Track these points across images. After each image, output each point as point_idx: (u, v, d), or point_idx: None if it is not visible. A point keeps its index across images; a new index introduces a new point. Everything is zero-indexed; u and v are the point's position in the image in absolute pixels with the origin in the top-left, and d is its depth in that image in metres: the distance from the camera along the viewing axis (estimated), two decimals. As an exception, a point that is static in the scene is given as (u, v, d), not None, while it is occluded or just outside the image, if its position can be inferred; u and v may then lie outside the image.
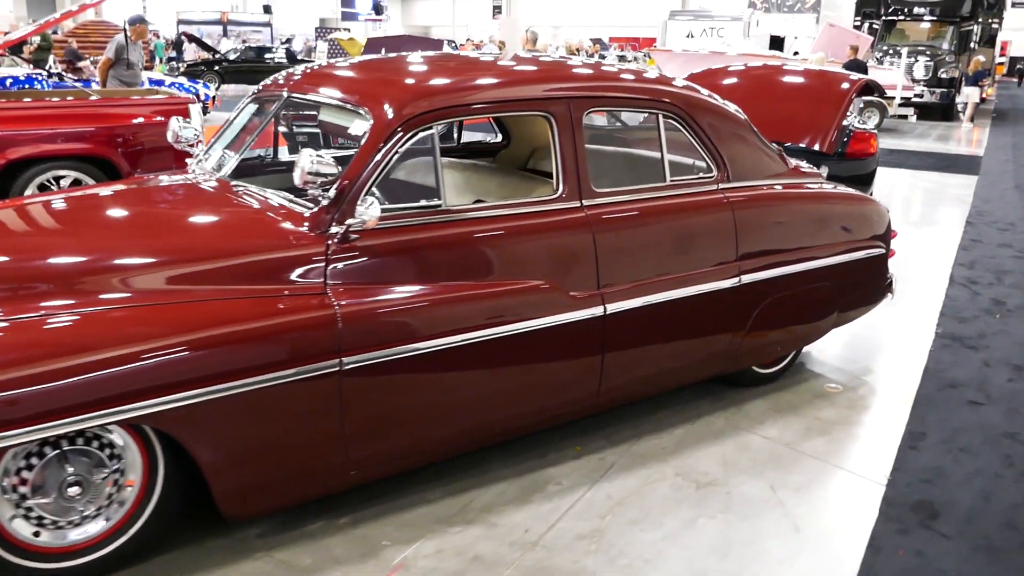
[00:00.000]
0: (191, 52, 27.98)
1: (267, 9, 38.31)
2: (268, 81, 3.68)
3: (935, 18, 21.10)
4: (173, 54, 28.71)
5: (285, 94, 3.44)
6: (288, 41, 32.45)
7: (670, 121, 3.58)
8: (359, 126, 2.99)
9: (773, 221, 3.84)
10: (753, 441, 3.62)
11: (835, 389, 4.21)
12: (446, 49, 18.15)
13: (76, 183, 6.32)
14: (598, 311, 3.22)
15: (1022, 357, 4.70)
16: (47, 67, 13.73)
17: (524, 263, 3.09)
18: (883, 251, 4.40)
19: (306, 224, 2.79)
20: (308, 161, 2.71)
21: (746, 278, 3.70)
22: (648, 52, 19.28)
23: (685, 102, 3.61)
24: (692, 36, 23.53)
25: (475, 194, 3.93)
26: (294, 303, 2.64)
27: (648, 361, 3.49)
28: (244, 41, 31.29)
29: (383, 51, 13.33)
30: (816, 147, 4.51)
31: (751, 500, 3.14)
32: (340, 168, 2.79)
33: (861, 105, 15.92)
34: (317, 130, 7.27)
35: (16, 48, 19.00)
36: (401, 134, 2.89)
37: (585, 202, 3.26)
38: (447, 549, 2.78)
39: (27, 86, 11.09)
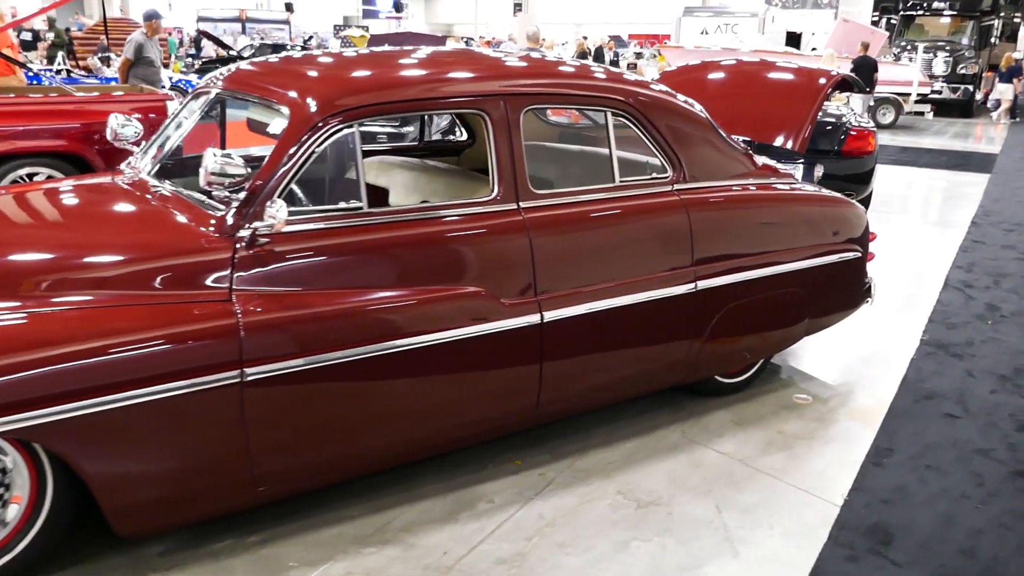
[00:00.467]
0: (208, 50, 28.01)
1: (289, 7, 38.33)
2: (207, 78, 3.54)
3: (955, 13, 20.64)
4: (193, 51, 28.76)
5: (214, 92, 3.30)
6: (309, 38, 32.42)
7: (621, 120, 3.40)
8: (278, 124, 2.84)
9: (733, 224, 3.64)
10: (707, 456, 3.43)
11: (804, 400, 4.00)
12: (451, 45, 18.01)
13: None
14: (534, 319, 3.04)
15: (1009, 367, 4.47)
16: (55, 64, 13.75)
17: (454, 269, 2.92)
18: (859, 255, 4.19)
19: (213, 227, 2.64)
20: (212, 161, 2.55)
21: (703, 284, 3.51)
22: (659, 49, 19.03)
23: (637, 100, 3.42)
24: (706, 33, 23.20)
25: (423, 195, 3.77)
26: (193, 311, 2.49)
27: (593, 372, 3.31)
28: (261, 39, 31.30)
29: (385, 46, 13.15)
30: (788, 145, 4.31)
31: (693, 521, 2.95)
32: (249, 169, 2.64)
33: (872, 102, 15.58)
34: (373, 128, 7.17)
35: (30, 44, 19.08)
36: (317, 133, 2.73)
37: (522, 204, 3.08)
38: (356, 572, 2.62)
39: (35, 83, 11.06)
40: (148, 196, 3.02)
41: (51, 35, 18.58)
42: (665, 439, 3.55)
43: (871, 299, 4.40)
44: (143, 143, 3.69)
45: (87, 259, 2.56)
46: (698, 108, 3.73)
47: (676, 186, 3.50)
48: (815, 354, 4.59)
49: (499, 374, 3.04)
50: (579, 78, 3.39)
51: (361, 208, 2.80)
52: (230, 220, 2.62)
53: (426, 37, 14.12)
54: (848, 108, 8.56)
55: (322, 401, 2.67)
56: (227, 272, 2.57)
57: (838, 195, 4.22)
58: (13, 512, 2.44)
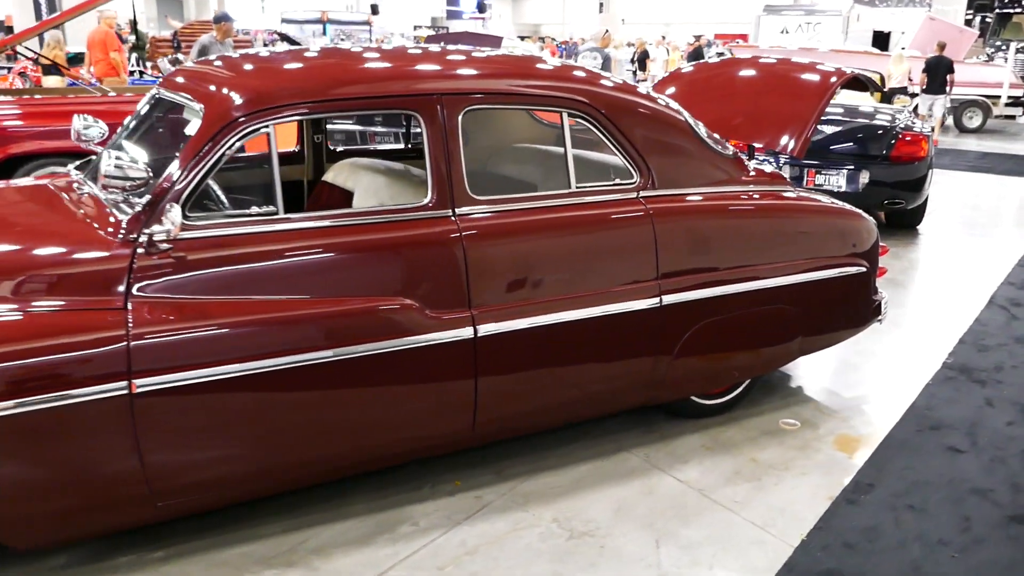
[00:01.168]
0: (285, 51, 28.56)
1: (374, 9, 38.93)
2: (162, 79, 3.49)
3: (1056, 10, 19.42)
4: (270, 53, 29.37)
5: (156, 92, 3.24)
6: (386, 39, 32.83)
7: (580, 122, 3.19)
8: (193, 125, 2.75)
9: (707, 235, 3.38)
10: (663, 484, 3.19)
11: (791, 426, 3.71)
12: (523, 48, 17.93)
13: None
14: (466, 333, 2.86)
15: (1037, 396, 4.06)
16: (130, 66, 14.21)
17: (377, 278, 2.77)
18: (864, 270, 3.86)
19: (111, 232, 2.56)
20: (106, 163, 2.48)
21: (669, 299, 3.26)
22: (730, 49, 18.46)
23: (599, 100, 3.20)
24: (786, 32, 22.41)
25: (383, 198, 3.63)
26: (82, 319, 2.41)
27: (539, 391, 3.10)
28: (342, 39, 31.85)
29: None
30: (790, 147, 4.00)
31: (624, 557, 2.73)
32: (150, 172, 2.55)
33: (949, 104, 14.73)
34: (356, 127, 7.16)
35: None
36: (227, 134, 2.62)
37: (459, 211, 2.91)
38: (248, 595, 2.50)
39: (141, 84, 11.43)
40: (65, 200, 2.96)
41: (132, 37, 19.23)
42: (625, 463, 3.33)
43: (881, 318, 4.07)
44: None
45: (-16, 264, 2.51)
46: (673, 109, 3.49)
47: (642, 193, 3.27)
48: (819, 374, 4.27)
49: (426, 391, 2.87)
50: (530, 77, 3.19)
51: (275, 213, 2.68)
52: (125, 225, 2.53)
53: (483, 37, 14.03)
54: (907, 111, 8.05)
55: (221, 416, 2.56)
56: (123, 278, 2.48)
57: (843, 205, 3.90)
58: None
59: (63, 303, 2.43)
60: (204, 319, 2.50)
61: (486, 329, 2.90)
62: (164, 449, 2.51)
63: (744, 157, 3.82)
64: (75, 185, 3.10)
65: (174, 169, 2.59)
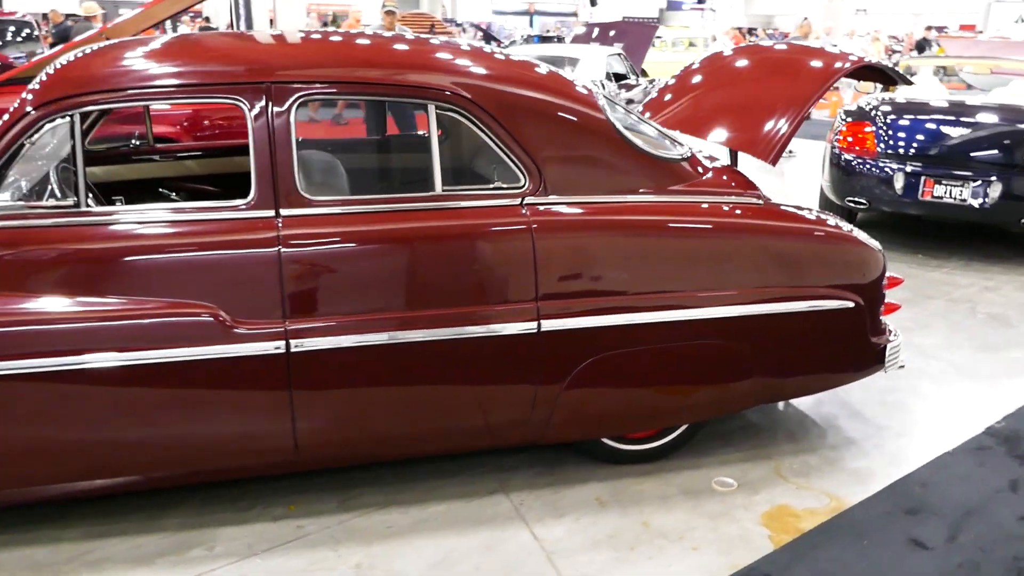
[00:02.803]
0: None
1: (593, 0, 38.76)
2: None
3: None
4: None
5: None
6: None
7: (451, 116, 2.81)
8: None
9: (609, 252, 2.86)
10: (514, 540, 2.74)
11: (725, 487, 3.09)
12: (722, 43, 17.12)
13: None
14: (277, 347, 2.59)
15: (1090, 484, 3.14)
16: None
17: (180, 281, 2.56)
18: (852, 305, 3.15)
19: None
20: None
21: (550, 324, 2.80)
22: (937, 40, 16.40)
23: (478, 93, 2.79)
24: (1022, 21, 19.66)
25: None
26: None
27: (376, 418, 2.76)
28: (546, 32, 31.99)
29: (594, 33, 12.73)
30: (782, 129, 3.31)
31: (394, 623, 2.35)
32: None
33: None
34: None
35: None
36: (21, 122, 2.52)
37: (283, 212, 2.63)
38: (-15, 604, 2.40)
39: None
40: None
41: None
42: (490, 508, 2.91)
43: (888, 365, 3.32)
44: None
45: None
46: (589, 102, 2.99)
47: (528, 200, 2.82)
48: (811, 422, 3.56)
49: (232, 407, 2.63)
50: (387, 65, 2.83)
51: (72, 206, 2.55)
52: None
53: (640, 25, 13.50)
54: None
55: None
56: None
57: (834, 227, 3.20)
58: None
59: None
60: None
61: (301, 344, 2.61)
62: None
63: (702, 160, 3.23)
64: None
65: None
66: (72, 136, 2.56)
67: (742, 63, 3.82)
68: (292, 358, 2.61)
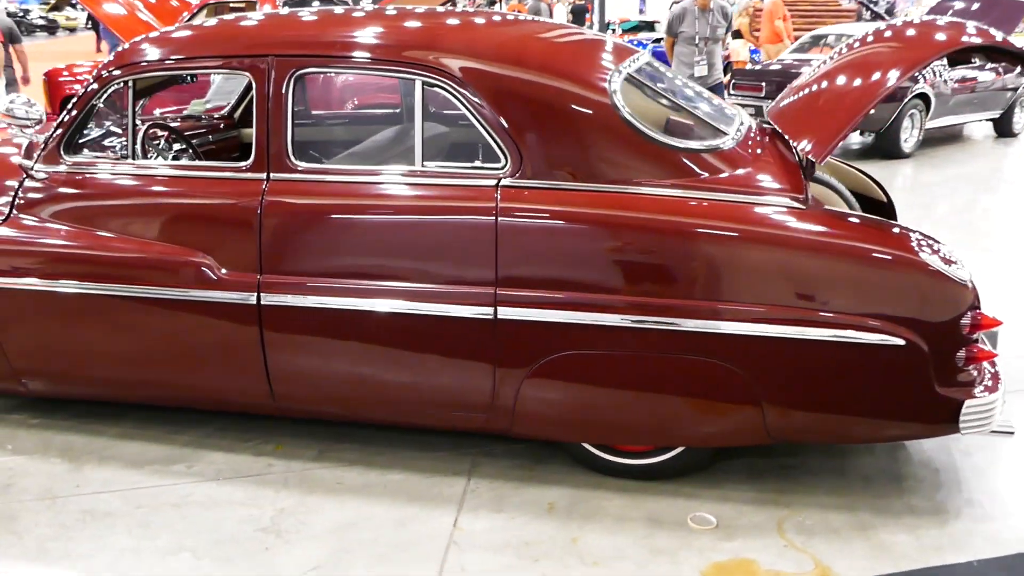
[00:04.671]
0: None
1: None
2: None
3: None
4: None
5: None
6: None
7: (438, 92, 2.80)
8: None
9: (590, 245, 2.66)
10: (434, 522, 2.69)
11: (701, 524, 2.70)
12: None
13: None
14: (249, 298, 2.86)
15: None
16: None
17: (184, 230, 2.94)
18: (903, 343, 2.56)
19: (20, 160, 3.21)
20: (5, 100, 3.14)
21: (508, 312, 2.70)
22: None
23: (467, 70, 2.75)
24: None
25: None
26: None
27: (338, 379, 2.90)
28: None
29: (955, 5, 10.94)
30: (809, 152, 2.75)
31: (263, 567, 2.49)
32: (39, 116, 3.15)
33: None
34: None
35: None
36: (95, 86, 3.05)
37: (273, 176, 2.87)
38: None
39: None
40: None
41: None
42: (439, 488, 2.88)
43: (975, 426, 2.65)
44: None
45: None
46: (588, 83, 2.79)
47: (504, 182, 2.73)
48: (876, 483, 2.94)
49: (214, 348, 2.96)
50: (377, 39, 2.88)
51: (129, 159, 3.05)
52: (18, 157, 3.16)
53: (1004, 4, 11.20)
54: None
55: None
56: (9, 198, 3.12)
57: (885, 246, 2.61)
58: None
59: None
60: (38, 237, 3.03)
61: (270, 299, 2.84)
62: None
63: (743, 153, 2.81)
64: None
65: (61, 116, 3.12)
66: (127, 99, 3.04)
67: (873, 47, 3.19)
68: (262, 310, 2.85)
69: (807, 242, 2.60)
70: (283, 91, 2.84)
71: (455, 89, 2.75)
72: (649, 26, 20.07)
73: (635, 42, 17.69)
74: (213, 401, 3.14)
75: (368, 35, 2.91)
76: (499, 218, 2.68)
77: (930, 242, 2.71)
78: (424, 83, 2.78)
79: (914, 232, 2.73)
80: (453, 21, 3.16)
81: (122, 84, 3.03)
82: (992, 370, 2.79)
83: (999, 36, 2.77)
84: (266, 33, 3.05)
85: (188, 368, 3.02)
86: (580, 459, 2.98)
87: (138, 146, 3.09)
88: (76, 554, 2.56)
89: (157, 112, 5.09)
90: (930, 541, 2.63)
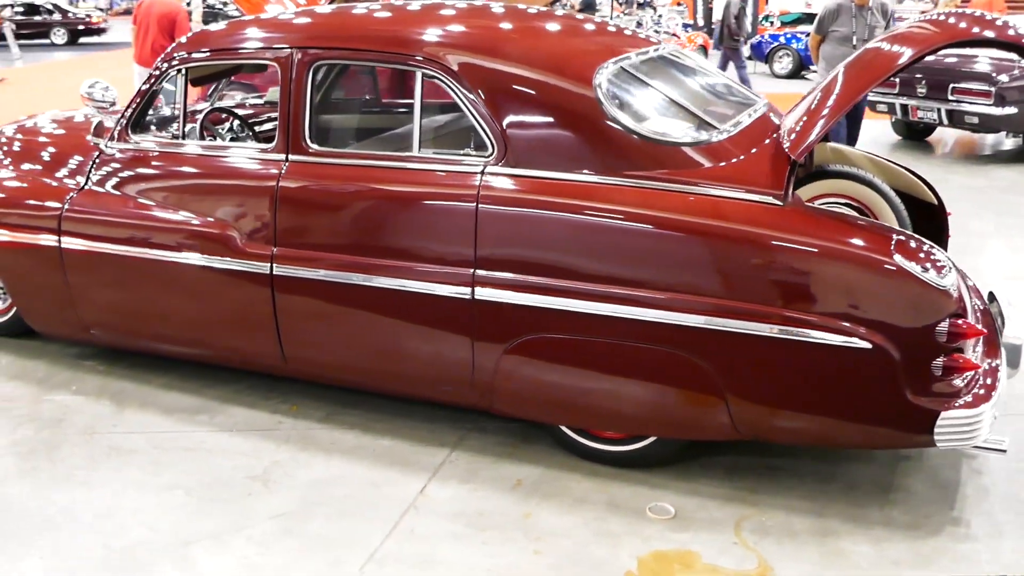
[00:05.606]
0: None
1: None
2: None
3: None
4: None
5: None
6: None
7: (436, 83, 2.97)
8: None
9: (548, 231, 2.76)
10: (403, 486, 2.87)
11: (657, 514, 2.72)
12: None
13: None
14: (263, 268, 3.14)
15: None
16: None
17: (215, 205, 3.26)
18: (870, 347, 2.50)
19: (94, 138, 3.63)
20: (84, 84, 3.59)
21: (485, 293, 2.84)
22: None
23: (460, 62, 2.91)
24: None
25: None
26: (52, 190, 3.60)
27: (341, 347, 3.14)
28: None
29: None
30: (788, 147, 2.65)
31: (245, 513, 2.76)
32: (114, 99, 3.57)
33: None
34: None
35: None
36: (157, 75, 3.43)
37: (292, 157, 3.14)
38: None
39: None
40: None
41: None
42: (420, 457, 3.05)
43: (954, 439, 2.54)
44: None
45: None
46: (574, 74, 2.87)
47: (489, 169, 2.86)
48: (858, 490, 2.84)
49: (240, 312, 3.26)
50: (378, 33, 3.09)
51: (178, 138, 3.41)
52: (91, 135, 3.59)
53: None
54: None
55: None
56: (85, 170, 3.57)
57: (860, 246, 2.54)
58: None
59: (55, 178, 3.65)
60: (103, 207, 3.45)
61: (281, 270, 3.12)
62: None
63: (732, 148, 2.80)
64: None
65: (133, 99, 3.53)
66: (178, 86, 3.40)
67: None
68: (274, 280, 3.13)
69: (768, 238, 2.57)
70: (304, 81, 3.09)
71: (450, 81, 2.91)
72: (811, 19, 19.25)
73: (791, 36, 17.07)
74: (239, 360, 3.45)
75: (375, 29, 3.12)
76: (479, 204, 2.81)
77: (914, 245, 2.59)
78: (424, 75, 2.96)
79: (898, 234, 2.63)
80: (452, 15, 3.30)
81: (175, 72, 3.39)
82: (986, 382, 2.64)
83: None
84: (289, 29, 3.32)
85: (217, 329, 3.35)
86: (560, 441, 3.06)
87: (188, 128, 3.43)
88: (93, 482, 2.92)
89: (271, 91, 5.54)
90: (892, 554, 2.54)
